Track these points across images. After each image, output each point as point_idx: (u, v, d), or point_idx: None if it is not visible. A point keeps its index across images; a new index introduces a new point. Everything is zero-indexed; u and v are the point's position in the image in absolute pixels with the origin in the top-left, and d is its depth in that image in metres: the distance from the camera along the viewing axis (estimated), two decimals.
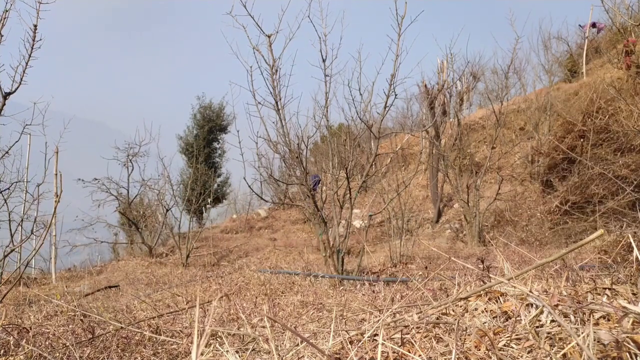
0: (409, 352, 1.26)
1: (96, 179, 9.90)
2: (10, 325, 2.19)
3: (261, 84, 5.15)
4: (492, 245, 5.47)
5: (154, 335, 2.08)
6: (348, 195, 5.25)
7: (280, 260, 7.51)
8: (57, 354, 1.86)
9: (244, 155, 5.23)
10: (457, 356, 1.15)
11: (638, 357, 0.94)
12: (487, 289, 1.50)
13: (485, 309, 1.44)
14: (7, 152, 3.94)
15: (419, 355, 1.22)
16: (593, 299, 1.33)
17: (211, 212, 15.90)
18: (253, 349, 1.76)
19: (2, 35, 3.28)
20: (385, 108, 4.98)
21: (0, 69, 3.25)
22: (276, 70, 4.96)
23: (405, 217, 7.01)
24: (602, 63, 12.26)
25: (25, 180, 6.61)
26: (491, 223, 8.71)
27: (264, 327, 2.19)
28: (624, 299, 1.29)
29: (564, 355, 1.03)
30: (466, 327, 1.29)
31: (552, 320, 1.20)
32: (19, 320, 2.42)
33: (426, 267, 5.28)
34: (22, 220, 4.56)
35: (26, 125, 3.83)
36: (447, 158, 8.80)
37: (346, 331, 1.52)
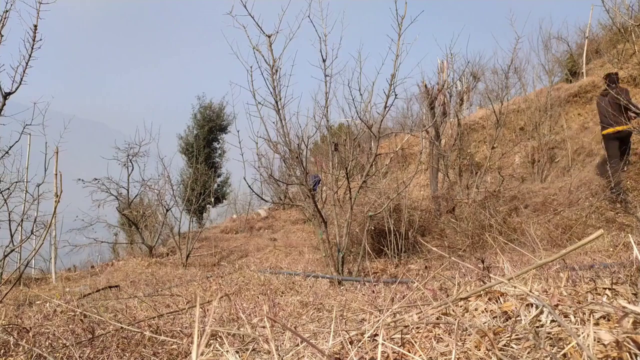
0: (409, 352, 1.26)
1: (96, 179, 9.90)
2: (10, 325, 2.19)
3: (261, 84, 5.16)
4: (492, 245, 5.47)
5: (154, 335, 2.08)
6: (348, 195, 5.25)
7: (280, 261, 7.51)
8: (57, 354, 1.86)
9: (244, 155, 5.24)
10: (457, 356, 1.15)
11: (638, 357, 0.94)
12: (487, 289, 1.50)
13: (485, 309, 1.44)
14: (7, 152, 3.94)
15: (419, 355, 1.22)
16: (593, 299, 1.33)
17: (211, 212, 15.94)
18: (253, 349, 1.76)
19: (2, 35, 3.29)
20: (385, 108, 4.97)
21: (0, 69, 3.26)
22: (276, 70, 4.96)
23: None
24: (602, 63, 12.27)
25: (25, 180, 6.61)
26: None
27: (264, 327, 2.19)
28: (624, 299, 1.29)
29: (564, 355, 1.03)
30: (466, 327, 1.29)
31: (552, 320, 1.20)
32: (19, 320, 2.42)
33: (426, 267, 5.28)
34: (22, 220, 4.56)
35: (26, 125, 3.83)
36: (447, 158, 8.79)
37: (346, 331, 1.52)
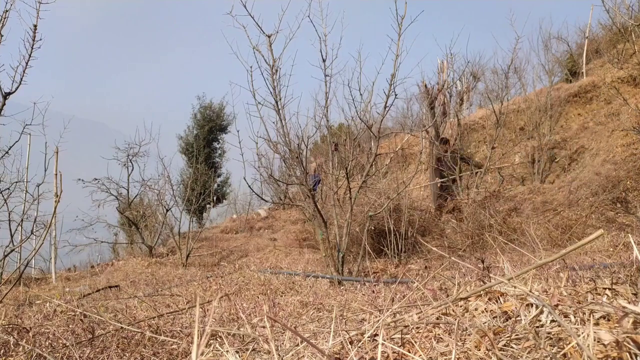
0: (409, 352, 1.26)
1: (96, 179, 9.90)
2: (10, 325, 2.19)
3: (261, 84, 5.16)
4: (492, 245, 5.47)
5: (154, 335, 2.08)
6: (348, 195, 5.25)
7: (280, 261, 7.51)
8: (57, 354, 1.86)
9: (244, 155, 5.24)
10: (457, 356, 1.15)
11: (638, 357, 0.94)
12: (487, 289, 1.50)
13: (485, 309, 1.44)
14: (7, 152, 3.94)
15: (419, 355, 1.22)
16: (593, 299, 1.33)
17: (211, 212, 15.92)
18: (253, 349, 1.76)
19: (2, 35, 3.29)
20: (385, 108, 4.98)
21: (0, 69, 3.25)
22: (276, 70, 4.96)
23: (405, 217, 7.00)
24: (602, 63, 12.26)
25: (25, 180, 6.61)
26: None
27: (264, 327, 2.19)
28: (624, 299, 1.29)
29: (564, 355, 1.03)
30: (466, 327, 1.29)
31: (552, 320, 1.20)
32: (19, 320, 2.42)
33: (426, 267, 5.29)
34: (22, 220, 4.56)
35: (26, 125, 3.83)
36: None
37: (346, 331, 1.52)
